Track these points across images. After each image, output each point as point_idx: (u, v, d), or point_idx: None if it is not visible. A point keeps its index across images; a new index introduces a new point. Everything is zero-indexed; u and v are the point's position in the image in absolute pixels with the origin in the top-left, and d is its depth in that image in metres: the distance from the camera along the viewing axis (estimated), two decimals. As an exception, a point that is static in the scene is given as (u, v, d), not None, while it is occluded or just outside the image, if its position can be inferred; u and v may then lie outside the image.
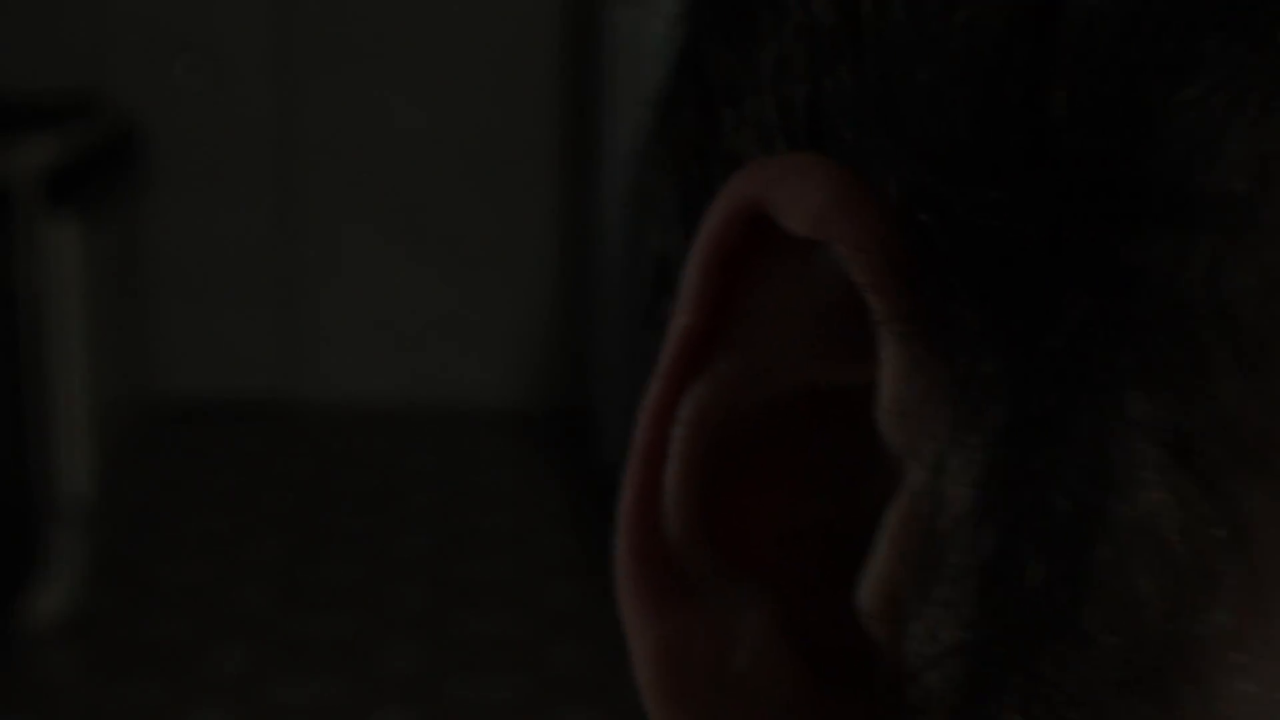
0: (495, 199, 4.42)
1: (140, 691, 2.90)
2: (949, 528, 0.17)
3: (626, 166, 3.75)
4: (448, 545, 3.52)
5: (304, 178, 4.41)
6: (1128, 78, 0.15)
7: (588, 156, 4.19)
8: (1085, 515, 0.15)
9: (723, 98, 0.20)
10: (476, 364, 4.45)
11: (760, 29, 0.20)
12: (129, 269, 3.63)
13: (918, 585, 0.17)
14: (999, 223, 0.16)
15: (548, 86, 4.37)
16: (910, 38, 0.17)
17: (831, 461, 0.19)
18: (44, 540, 3.05)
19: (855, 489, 0.19)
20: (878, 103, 0.18)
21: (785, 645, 0.19)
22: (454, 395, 4.44)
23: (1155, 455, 0.15)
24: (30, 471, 3.00)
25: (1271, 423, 0.14)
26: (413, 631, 3.14)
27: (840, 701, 0.19)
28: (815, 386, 0.19)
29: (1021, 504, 0.16)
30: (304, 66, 4.37)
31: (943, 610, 0.17)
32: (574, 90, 4.35)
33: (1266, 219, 0.14)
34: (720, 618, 0.19)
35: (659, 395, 0.19)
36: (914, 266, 0.17)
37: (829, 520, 0.19)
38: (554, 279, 4.44)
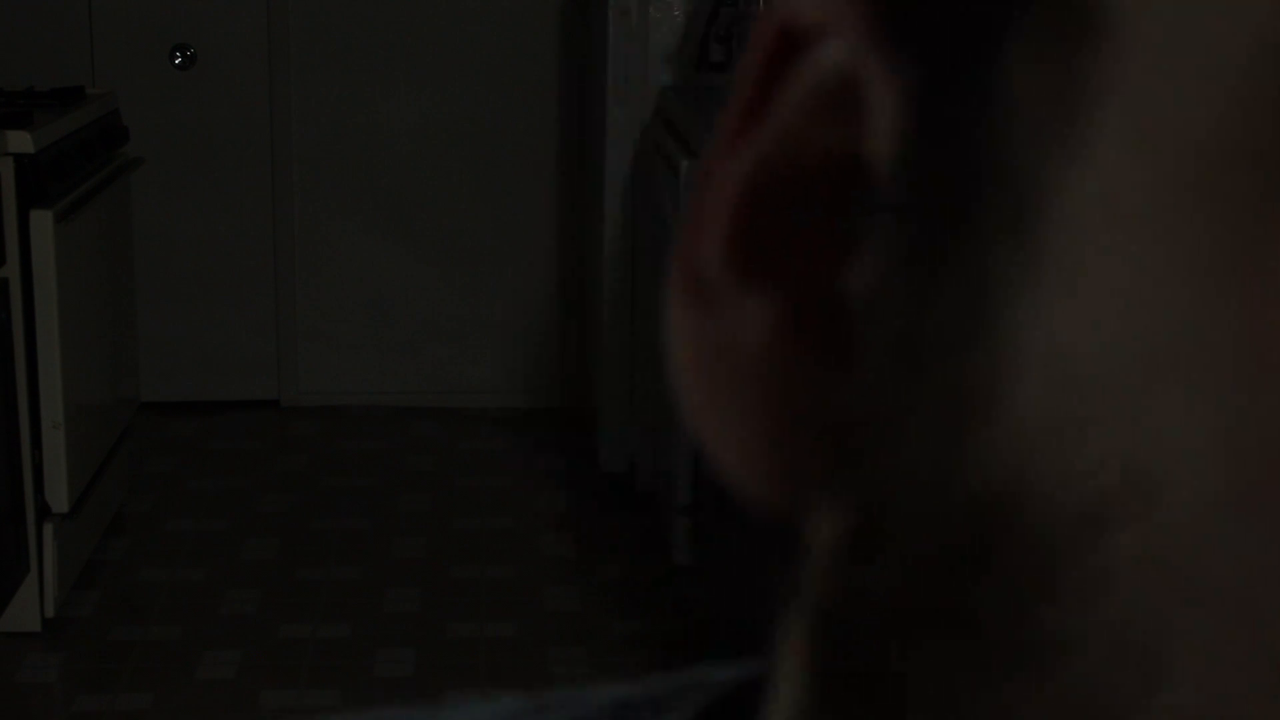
0: (493, 196, 4.38)
1: (128, 697, 2.86)
2: (898, 187, 0.23)
3: (627, 162, 3.71)
4: (443, 547, 3.49)
5: (299, 174, 4.37)
6: None
7: (587, 153, 4.15)
8: (977, 122, 0.21)
9: None
10: (474, 363, 4.42)
11: None
12: (118, 265, 3.58)
13: (883, 247, 0.23)
14: None
15: (546, 81, 4.33)
16: None
17: (850, 215, 0.24)
18: (27, 542, 3.00)
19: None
20: None
21: (792, 331, 0.24)
22: (451, 395, 4.40)
23: (1026, 57, 0.21)
24: (13, 472, 2.95)
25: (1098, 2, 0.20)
26: (409, 635, 3.10)
27: (837, 373, 0.24)
28: (835, 156, 0.24)
29: (939, 135, 0.22)
30: (298, 61, 4.33)
31: (892, 248, 0.23)
32: (573, 85, 4.31)
33: None
34: (741, 315, 0.25)
35: (707, 162, 0.25)
36: (882, 10, 0.23)
37: (841, 251, 0.24)
38: (554, 278, 4.41)
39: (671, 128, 3.36)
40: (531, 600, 3.24)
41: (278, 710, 2.83)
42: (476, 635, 3.09)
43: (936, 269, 0.22)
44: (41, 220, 2.96)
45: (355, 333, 4.44)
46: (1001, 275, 0.21)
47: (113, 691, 2.88)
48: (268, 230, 4.39)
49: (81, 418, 3.15)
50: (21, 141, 2.94)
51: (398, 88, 4.33)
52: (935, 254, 0.22)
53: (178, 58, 4.29)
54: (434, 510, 3.69)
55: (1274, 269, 0.18)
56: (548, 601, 3.23)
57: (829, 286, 0.24)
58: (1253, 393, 0.18)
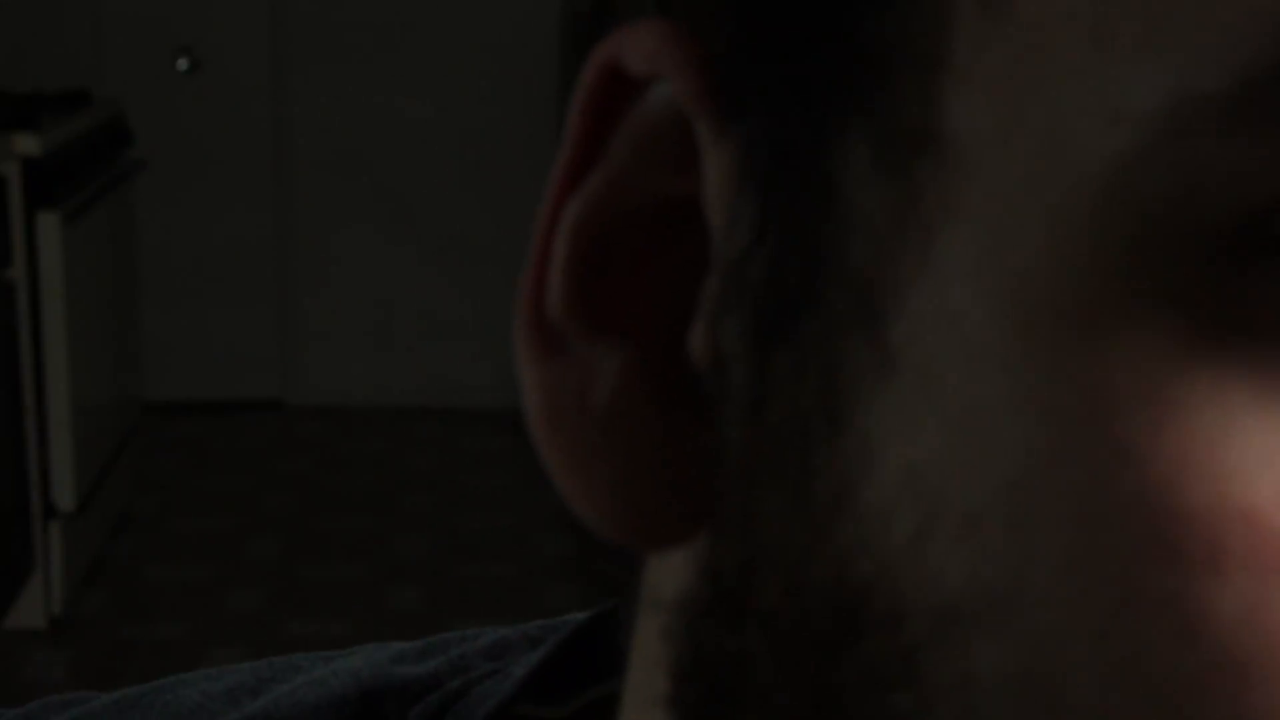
0: (495, 197, 4.39)
1: (132, 695, 2.87)
2: (738, 259, 0.23)
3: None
4: (446, 546, 3.50)
5: (302, 176, 4.39)
6: None
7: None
8: (816, 212, 0.22)
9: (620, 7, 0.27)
10: (477, 364, 4.43)
11: None
12: (123, 267, 3.60)
13: (725, 317, 0.23)
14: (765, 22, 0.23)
15: (549, 82, 4.35)
16: None
17: (687, 257, 0.24)
18: (33, 541, 3.02)
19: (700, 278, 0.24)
20: None
21: (638, 384, 0.24)
22: (453, 395, 4.41)
23: (864, 160, 0.21)
24: (19, 471, 2.97)
25: (935, 122, 0.20)
26: (410, 634, 3.11)
27: (684, 427, 0.24)
28: (668, 199, 0.24)
29: (777, 218, 0.22)
30: (300, 63, 4.35)
31: (735, 320, 0.23)
32: (574, 85, 4.32)
33: None
34: (587, 364, 0.25)
35: (548, 206, 0.25)
36: (715, 71, 0.23)
37: (682, 300, 0.24)
38: (554, 278, 4.42)
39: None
40: (533, 598, 3.25)
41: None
42: (478, 633, 3.11)
43: (781, 345, 0.22)
44: (48, 222, 2.97)
45: (358, 333, 4.46)
46: (853, 371, 0.21)
47: (119, 689, 2.89)
48: (271, 231, 4.41)
49: (87, 417, 3.17)
50: (29, 144, 2.96)
51: (400, 89, 4.35)
52: (779, 329, 0.22)
53: (182, 61, 4.31)
54: (436, 509, 3.71)
55: (1104, 412, 0.19)
56: (549, 599, 3.25)
57: (676, 341, 0.24)
58: (1091, 534, 0.19)
